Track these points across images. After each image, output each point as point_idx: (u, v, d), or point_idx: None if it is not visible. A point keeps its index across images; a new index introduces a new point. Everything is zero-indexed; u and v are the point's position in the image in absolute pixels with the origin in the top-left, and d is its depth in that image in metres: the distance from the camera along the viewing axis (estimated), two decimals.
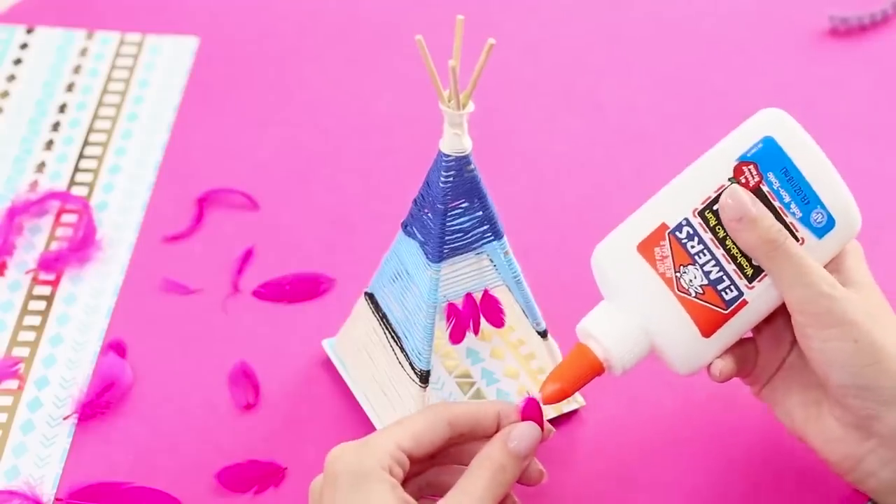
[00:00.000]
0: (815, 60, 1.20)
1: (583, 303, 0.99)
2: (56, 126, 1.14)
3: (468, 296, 0.87)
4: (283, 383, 0.96)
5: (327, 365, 0.96)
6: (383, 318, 0.91)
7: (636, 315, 0.81)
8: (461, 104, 0.79)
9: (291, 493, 0.90)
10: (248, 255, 1.04)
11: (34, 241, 1.05)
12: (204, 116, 1.15)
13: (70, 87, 1.17)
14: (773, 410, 0.87)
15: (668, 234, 0.81)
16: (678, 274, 0.80)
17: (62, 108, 1.15)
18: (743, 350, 0.85)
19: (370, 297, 0.92)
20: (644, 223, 0.82)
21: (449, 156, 0.82)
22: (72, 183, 1.09)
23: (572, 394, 0.81)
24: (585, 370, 0.81)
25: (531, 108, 1.16)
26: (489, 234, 0.86)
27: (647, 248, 0.81)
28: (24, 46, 1.20)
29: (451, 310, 0.86)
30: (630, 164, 1.11)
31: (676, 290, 0.80)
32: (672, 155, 1.11)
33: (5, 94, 1.16)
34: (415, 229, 0.86)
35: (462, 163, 0.82)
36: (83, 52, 1.20)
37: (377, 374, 0.91)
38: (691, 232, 0.81)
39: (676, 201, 0.82)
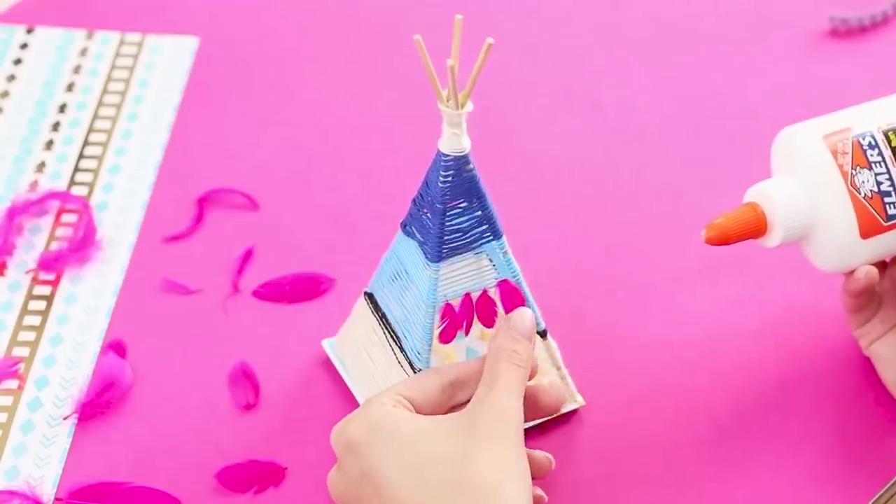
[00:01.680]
0: (815, 60, 1.20)
1: (583, 303, 1.00)
2: (56, 126, 1.14)
3: (466, 296, 0.87)
4: (283, 383, 0.96)
5: (327, 365, 0.96)
6: (382, 318, 0.91)
7: (808, 195, 0.86)
8: (460, 104, 0.79)
9: (291, 493, 0.90)
10: (248, 255, 1.04)
11: (34, 241, 1.05)
12: (204, 116, 1.15)
13: (70, 87, 1.17)
14: (876, 367, 0.92)
15: (852, 137, 0.87)
16: (853, 172, 0.85)
17: (62, 108, 1.15)
18: (870, 295, 0.90)
19: (369, 296, 0.92)
20: (833, 122, 0.88)
21: (448, 155, 0.82)
22: (72, 183, 1.09)
23: (730, 242, 0.86)
24: (750, 223, 0.86)
25: (531, 107, 1.16)
26: (488, 234, 0.86)
27: (831, 139, 0.86)
28: (24, 46, 1.20)
29: (447, 310, 0.86)
30: (630, 164, 1.11)
31: (849, 184, 0.85)
32: (672, 155, 1.12)
33: (5, 94, 1.16)
34: (414, 229, 0.86)
35: (461, 162, 0.82)
36: (83, 52, 1.20)
37: (377, 374, 0.91)
38: (873, 143, 0.86)
39: (866, 116, 0.88)
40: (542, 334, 0.91)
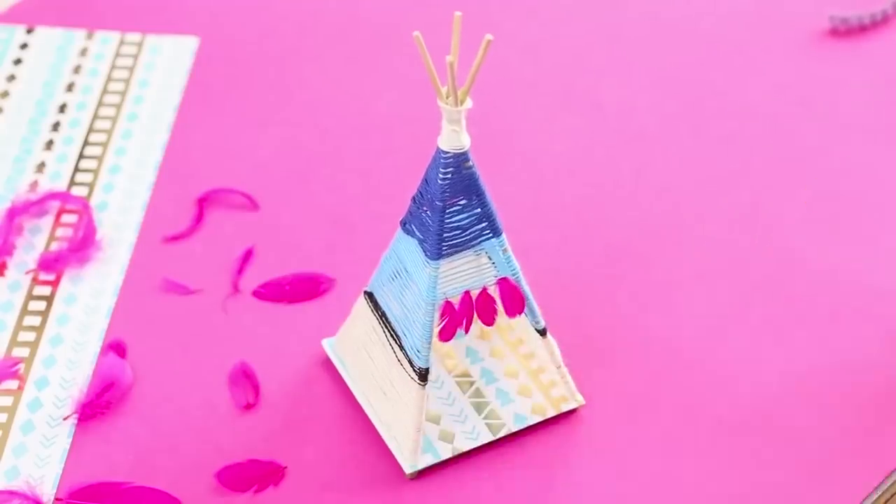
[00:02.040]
0: (815, 60, 1.20)
1: (583, 303, 1.00)
2: (56, 126, 1.14)
3: (466, 294, 0.87)
4: (283, 383, 0.96)
5: (327, 364, 0.96)
6: (382, 317, 0.90)
7: None
8: (459, 100, 0.79)
9: (291, 492, 0.90)
10: (248, 255, 1.04)
11: (34, 242, 1.05)
12: (204, 116, 1.15)
13: (70, 87, 1.17)
14: None
15: None
16: None
17: (62, 108, 1.15)
18: None
19: (369, 295, 0.92)
20: None
21: (447, 152, 0.81)
22: (72, 183, 1.09)
23: None
24: None
25: (531, 107, 1.16)
26: (487, 232, 0.86)
27: None
28: (24, 46, 1.20)
29: (447, 308, 0.86)
30: (630, 164, 1.11)
31: None
32: (672, 155, 1.11)
33: (5, 94, 1.16)
34: (413, 227, 0.86)
35: (460, 159, 0.82)
36: (83, 52, 1.20)
37: (376, 373, 0.91)
38: None
39: None
40: (542, 332, 0.91)
